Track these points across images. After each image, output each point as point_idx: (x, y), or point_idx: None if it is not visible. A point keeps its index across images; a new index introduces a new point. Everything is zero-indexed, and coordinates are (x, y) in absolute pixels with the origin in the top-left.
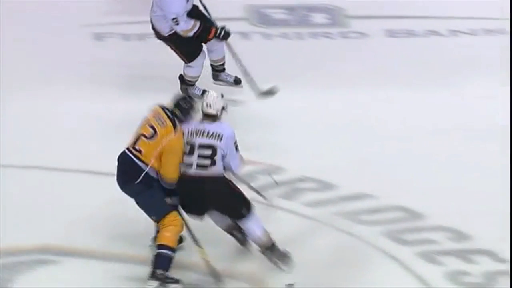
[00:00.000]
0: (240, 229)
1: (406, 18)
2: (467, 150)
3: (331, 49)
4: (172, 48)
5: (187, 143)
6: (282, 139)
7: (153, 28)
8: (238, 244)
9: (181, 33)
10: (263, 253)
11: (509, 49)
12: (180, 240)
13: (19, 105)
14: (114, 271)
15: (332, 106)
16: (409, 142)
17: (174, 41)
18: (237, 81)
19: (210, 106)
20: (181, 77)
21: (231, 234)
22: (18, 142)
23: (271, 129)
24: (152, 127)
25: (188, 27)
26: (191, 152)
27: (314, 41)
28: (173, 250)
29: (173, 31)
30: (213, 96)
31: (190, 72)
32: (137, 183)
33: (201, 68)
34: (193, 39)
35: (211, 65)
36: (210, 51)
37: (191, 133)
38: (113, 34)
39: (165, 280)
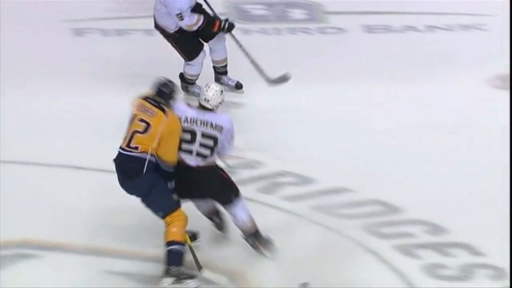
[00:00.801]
0: (219, 215)
1: (383, 14)
2: (443, 144)
3: (309, 44)
4: (173, 46)
5: (187, 130)
6: (260, 134)
7: (157, 26)
8: (217, 230)
9: (186, 28)
10: (247, 239)
11: (486, 44)
12: (195, 237)
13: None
14: (96, 265)
15: (310, 101)
16: (386, 136)
17: (176, 39)
18: (238, 86)
19: (207, 101)
20: (181, 76)
21: (210, 219)
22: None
23: (248, 124)
24: (143, 121)
25: (193, 21)
26: (192, 140)
27: (292, 37)
28: (182, 244)
29: (178, 28)
30: (213, 91)
31: (190, 71)
32: (144, 175)
33: (201, 67)
34: (194, 37)
35: (214, 67)
36: (212, 50)
37: (191, 121)
38: (92, 30)
39: (179, 276)
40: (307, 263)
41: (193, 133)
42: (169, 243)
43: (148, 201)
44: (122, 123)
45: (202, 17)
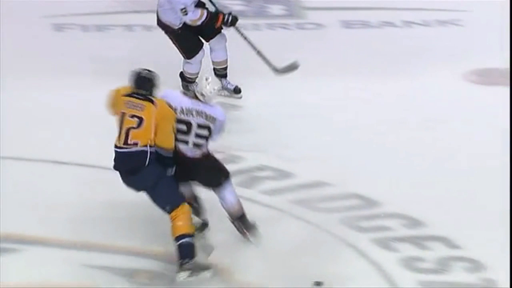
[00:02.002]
0: (196, 200)
1: (361, 9)
2: (421, 138)
3: (288, 40)
4: (173, 43)
5: (182, 121)
6: (240, 129)
7: (160, 22)
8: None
9: (190, 22)
10: (233, 222)
11: (462, 40)
12: (203, 226)
13: None
14: (77, 259)
15: (289, 95)
16: (364, 131)
17: (177, 35)
18: (236, 90)
19: (203, 95)
20: (181, 75)
21: (189, 203)
22: None
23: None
24: (135, 116)
25: (197, 16)
26: (188, 131)
27: (271, 32)
28: (191, 235)
29: (182, 24)
30: (211, 89)
31: (189, 69)
32: (148, 167)
33: (200, 65)
34: (195, 35)
35: (214, 69)
36: (212, 50)
37: (186, 112)
38: (72, 25)
39: (195, 268)
40: (286, 256)
41: (188, 124)
42: (178, 238)
43: (155, 195)
44: (99, 117)
45: (205, 12)
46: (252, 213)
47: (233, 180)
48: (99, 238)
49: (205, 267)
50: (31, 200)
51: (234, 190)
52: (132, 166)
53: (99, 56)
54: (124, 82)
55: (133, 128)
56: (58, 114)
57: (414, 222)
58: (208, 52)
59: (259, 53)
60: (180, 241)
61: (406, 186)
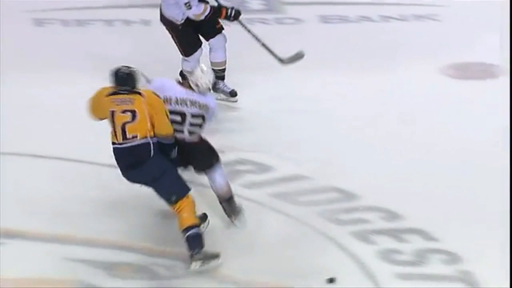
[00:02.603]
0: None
1: (339, 4)
2: (398, 132)
3: (267, 34)
4: (173, 39)
5: (176, 111)
6: (218, 121)
7: (162, 18)
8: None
9: (194, 17)
10: (221, 203)
11: (439, 34)
12: (203, 219)
13: None
14: (58, 252)
15: (267, 89)
16: (342, 124)
17: (178, 31)
18: (232, 94)
19: (197, 86)
20: (181, 73)
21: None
22: None
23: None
24: (127, 111)
25: (200, 10)
26: (182, 121)
27: (250, 27)
28: (197, 225)
29: (186, 17)
30: (206, 80)
31: (187, 67)
32: (152, 158)
33: (197, 63)
34: (195, 33)
35: (212, 70)
36: (211, 50)
37: (181, 102)
38: (52, 20)
39: (205, 258)
40: (265, 249)
41: (183, 115)
42: (185, 230)
43: (160, 186)
44: (81, 111)
45: (208, 6)
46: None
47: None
48: (80, 231)
49: (214, 256)
50: (13, 194)
51: (224, 173)
52: (137, 159)
53: (79, 51)
54: (104, 76)
55: (128, 122)
56: (39, 108)
57: (392, 215)
58: (206, 52)
59: (263, 45)
60: (188, 233)
61: (384, 179)
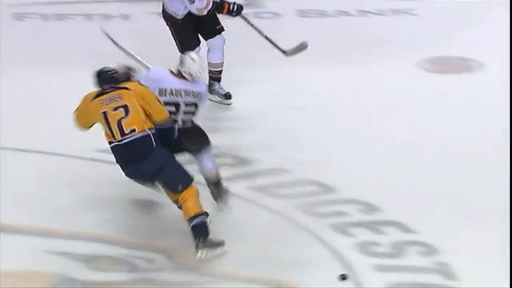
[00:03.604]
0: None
1: None
2: (375, 125)
3: (246, 29)
4: (172, 35)
5: (170, 102)
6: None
7: (164, 13)
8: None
9: (197, 12)
10: (209, 186)
11: (416, 29)
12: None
13: None
14: (34, 245)
15: (248, 84)
16: (320, 117)
17: (178, 27)
18: (227, 96)
19: (191, 75)
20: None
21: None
22: None
23: None
24: (118, 107)
25: (203, 5)
26: (176, 111)
27: (229, 22)
28: (202, 214)
29: (186, 12)
30: (198, 67)
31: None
32: (156, 149)
33: None
34: (194, 31)
35: (208, 71)
36: (209, 51)
37: (175, 93)
38: (33, 14)
39: (211, 245)
40: (244, 242)
41: (177, 105)
42: (190, 219)
43: (166, 177)
44: (59, 104)
45: (211, 1)
46: (210, 199)
47: (190, 168)
48: (60, 224)
49: (219, 243)
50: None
51: (213, 157)
52: (141, 152)
53: (59, 45)
54: (82, 71)
55: (123, 117)
56: (20, 102)
57: (370, 208)
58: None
59: (266, 38)
60: (193, 223)
61: (361, 172)
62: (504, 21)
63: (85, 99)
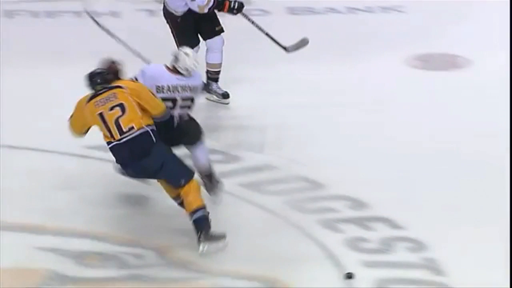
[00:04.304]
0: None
1: None
2: (364, 121)
3: (235, 27)
4: (172, 33)
5: (168, 98)
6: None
7: (165, 10)
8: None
9: (198, 9)
10: (202, 178)
11: (404, 26)
12: None
13: None
14: (24, 241)
15: (237, 81)
16: (309, 113)
17: (177, 24)
18: (225, 96)
19: (187, 70)
20: None
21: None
22: None
23: None
24: (114, 107)
25: (204, 2)
26: (173, 106)
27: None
28: (203, 207)
29: (186, 10)
30: (193, 61)
31: None
32: (156, 144)
33: None
34: (194, 31)
35: (206, 71)
36: (208, 51)
37: (172, 89)
38: (22, 12)
39: (212, 239)
40: (233, 238)
41: (174, 100)
42: (192, 213)
43: (169, 171)
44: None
45: None
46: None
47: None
48: (49, 221)
49: (221, 236)
50: None
51: (207, 150)
52: (142, 149)
53: (49, 42)
54: (73, 67)
55: (120, 116)
56: (9, 99)
57: (359, 204)
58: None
59: (267, 35)
60: (195, 217)
61: (350, 168)
62: (490, 18)
63: (79, 104)
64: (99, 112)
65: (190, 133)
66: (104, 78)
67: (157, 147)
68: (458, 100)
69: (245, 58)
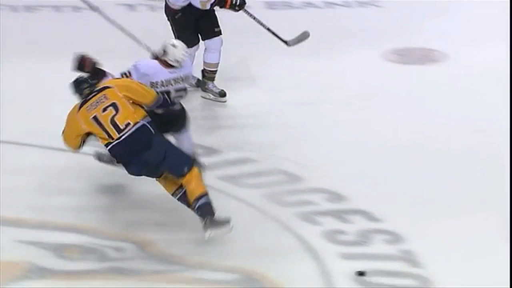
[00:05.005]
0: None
1: None
2: (341, 115)
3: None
4: (173, 31)
5: (161, 92)
6: None
7: (166, 6)
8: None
9: (200, 5)
10: None
11: (381, 21)
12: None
13: None
14: (4, 234)
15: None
16: (287, 108)
17: (178, 22)
18: (221, 94)
19: (178, 62)
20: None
21: (101, 160)
22: None
23: None
24: (107, 107)
25: None
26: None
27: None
28: (206, 194)
29: (186, 5)
30: (182, 52)
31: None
32: (156, 136)
33: (192, 58)
34: (195, 30)
35: (203, 70)
36: (206, 51)
37: (166, 83)
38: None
39: (218, 223)
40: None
41: (167, 93)
42: (196, 200)
43: (171, 162)
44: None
45: None
46: None
47: None
48: (29, 213)
49: (225, 221)
50: None
51: (191, 137)
52: (143, 143)
53: (28, 37)
54: (52, 62)
55: (115, 115)
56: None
57: (336, 197)
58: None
59: (269, 30)
60: (198, 203)
61: (327, 161)
62: (466, 13)
63: (70, 115)
64: (93, 115)
65: (179, 120)
66: (89, 83)
67: (157, 138)
68: (434, 93)
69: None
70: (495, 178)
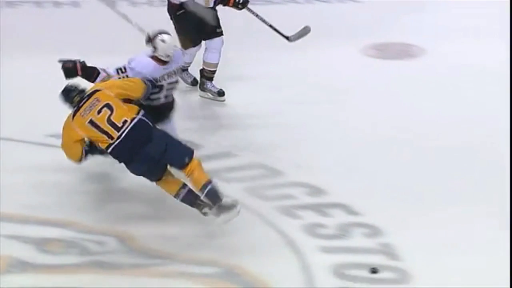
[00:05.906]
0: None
1: None
2: (320, 110)
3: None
4: (176, 30)
5: (155, 86)
6: None
7: (169, 4)
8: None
9: (203, 3)
10: None
11: (360, 16)
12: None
13: None
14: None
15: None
16: (265, 104)
17: (180, 21)
18: (220, 93)
19: (169, 56)
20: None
21: (93, 153)
22: None
23: None
24: (102, 109)
25: None
26: (159, 91)
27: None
28: (210, 181)
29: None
30: (172, 46)
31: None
32: (154, 128)
33: (193, 57)
34: (196, 31)
35: (202, 69)
36: (206, 50)
37: (160, 79)
38: None
39: (226, 209)
40: (191, 225)
41: (160, 87)
42: (202, 188)
43: (172, 153)
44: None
45: None
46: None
47: None
48: (10, 207)
49: (233, 204)
50: None
51: (175, 125)
52: (142, 137)
53: (9, 32)
54: (33, 58)
55: (111, 115)
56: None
57: (316, 190)
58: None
59: (271, 26)
60: (206, 190)
61: (307, 156)
62: (443, 8)
63: (65, 126)
64: (89, 120)
65: (165, 111)
66: (78, 90)
67: (156, 130)
68: (412, 88)
69: None
70: (474, 170)
